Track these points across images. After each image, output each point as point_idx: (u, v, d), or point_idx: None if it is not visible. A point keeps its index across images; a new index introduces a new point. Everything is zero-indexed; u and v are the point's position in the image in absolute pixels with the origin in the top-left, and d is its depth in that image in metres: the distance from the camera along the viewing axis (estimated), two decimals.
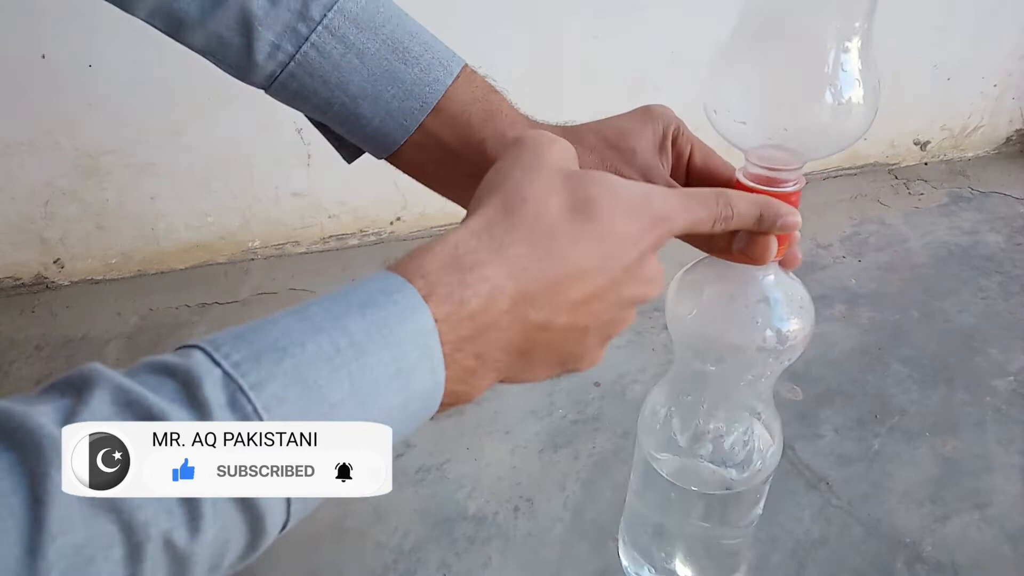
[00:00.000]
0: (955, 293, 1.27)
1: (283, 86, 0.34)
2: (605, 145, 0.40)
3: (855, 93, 0.34)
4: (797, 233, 0.41)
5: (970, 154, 1.69)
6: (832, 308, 1.25)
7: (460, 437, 1.03)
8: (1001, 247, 1.38)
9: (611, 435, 1.03)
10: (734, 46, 0.36)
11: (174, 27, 0.35)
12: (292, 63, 0.33)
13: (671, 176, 0.42)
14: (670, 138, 0.42)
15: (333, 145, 0.38)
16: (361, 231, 1.41)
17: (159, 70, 1.16)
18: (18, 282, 1.34)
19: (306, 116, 0.37)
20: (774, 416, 0.48)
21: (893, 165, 1.64)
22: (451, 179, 0.37)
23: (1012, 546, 0.88)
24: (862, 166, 1.62)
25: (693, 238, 0.37)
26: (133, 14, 0.37)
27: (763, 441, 0.47)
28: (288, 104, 0.35)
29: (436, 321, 0.25)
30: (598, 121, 0.42)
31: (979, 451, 1.00)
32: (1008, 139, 1.70)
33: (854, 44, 0.33)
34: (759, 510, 0.52)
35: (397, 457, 1.01)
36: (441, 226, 1.44)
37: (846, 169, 1.61)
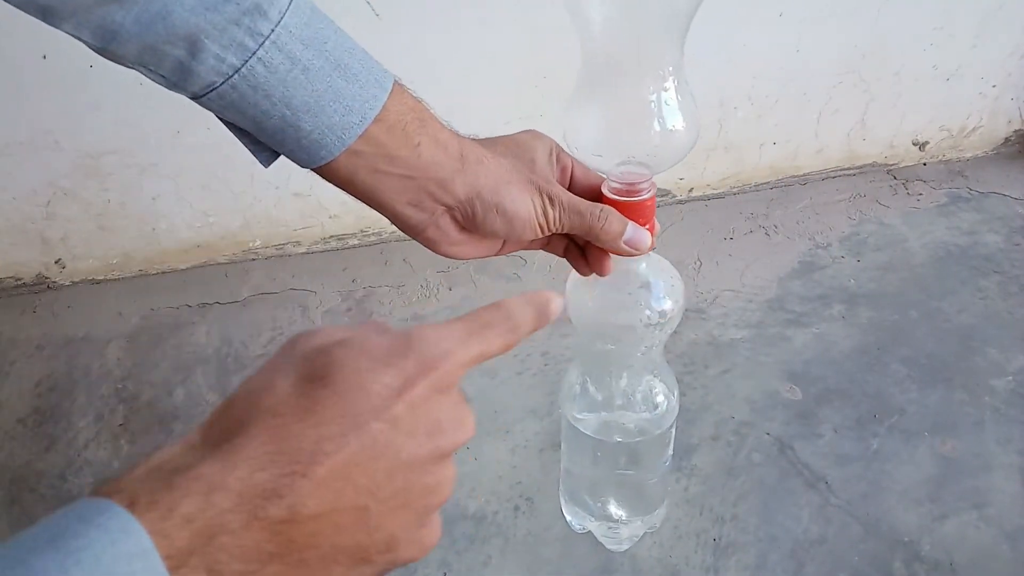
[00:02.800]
0: (954, 293, 1.27)
1: (220, 96, 0.35)
2: (510, 152, 0.45)
3: (678, 120, 0.44)
4: (657, 226, 0.48)
5: (969, 154, 1.69)
6: (831, 308, 1.25)
7: None
8: (1000, 247, 1.38)
9: None
10: (578, 95, 0.44)
11: (105, 39, 0.35)
12: (236, 76, 0.34)
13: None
14: (555, 154, 0.49)
15: (249, 149, 0.40)
16: (362, 231, 1.42)
17: None
18: (19, 282, 1.34)
19: (223, 120, 0.37)
20: (668, 371, 0.60)
21: (892, 165, 1.65)
22: (383, 183, 0.39)
23: (1011, 545, 0.89)
24: (860, 166, 1.62)
25: (574, 245, 0.47)
26: (58, 28, 0.37)
27: (664, 392, 0.58)
28: (216, 112, 0.36)
29: (151, 534, 0.20)
30: (501, 136, 0.49)
31: (978, 451, 1.00)
32: (1007, 139, 1.70)
33: (671, 83, 0.44)
34: (670, 451, 0.65)
35: None
36: None
37: (844, 169, 1.61)
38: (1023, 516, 0.92)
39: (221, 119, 0.37)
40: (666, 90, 0.43)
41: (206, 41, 0.33)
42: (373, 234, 1.42)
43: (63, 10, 0.36)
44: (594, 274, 0.50)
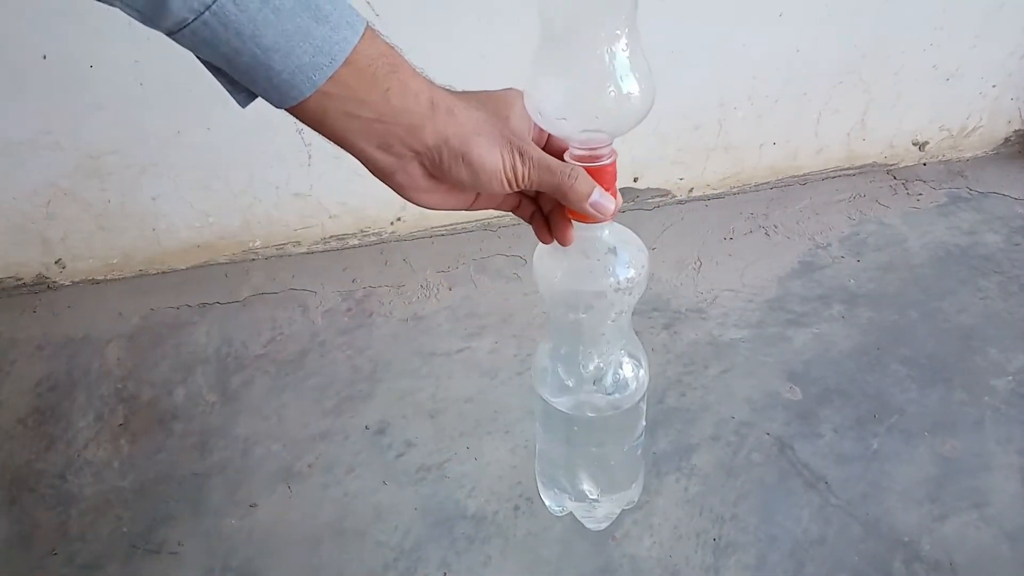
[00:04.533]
0: (954, 293, 1.27)
1: (193, 32, 0.34)
2: (484, 106, 0.46)
3: (632, 83, 0.45)
4: (619, 197, 0.50)
5: (969, 154, 1.69)
6: (831, 308, 1.25)
7: (460, 437, 1.03)
8: (1000, 247, 1.38)
9: None
10: (537, 62, 0.46)
11: None
12: (207, 12, 0.33)
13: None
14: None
15: (227, 89, 0.39)
16: (362, 231, 1.42)
17: (160, 70, 1.16)
18: (19, 282, 1.34)
19: (201, 60, 0.38)
20: (637, 346, 0.62)
21: (891, 165, 1.65)
22: (353, 125, 0.40)
23: (1010, 545, 0.89)
24: (860, 166, 1.62)
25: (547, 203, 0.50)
26: None
27: (633, 366, 0.60)
28: (191, 49, 0.36)
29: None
30: (481, 91, 0.49)
31: (978, 451, 1.00)
32: (1007, 139, 1.70)
33: (624, 46, 0.45)
34: (643, 422, 0.65)
35: (397, 457, 1.01)
36: (442, 226, 1.44)
37: (844, 169, 1.61)
38: (1023, 516, 0.92)
39: (197, 57, 0.38)
40: (620, 52, 0.44)
41: None
42: (373, 234, 1.42)
43: None
44: (559, 244, 0.51)
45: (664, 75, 1.39)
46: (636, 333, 1.24)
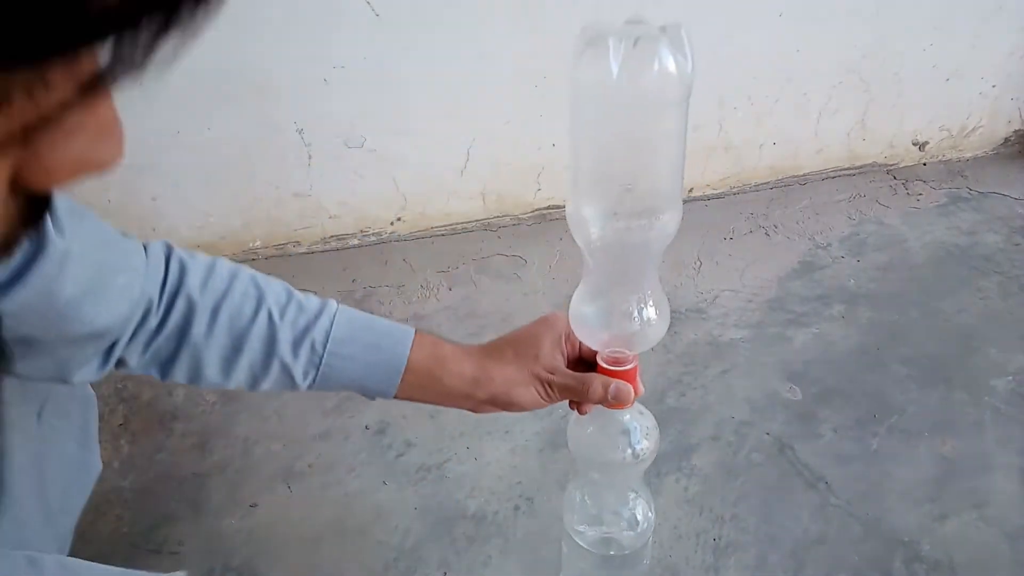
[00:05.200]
0: (954, 293, 1.27)
1: (316, 384, 0.56)
2: (517, 355, 0.59)
3: (652, 316, 0.57)
4: (640, 388, 0.61)
5: (969, 155, 1.69)
6: (831, 308, 1.25)
7: (460, 437, 1.03)
8: (1000, 247, 1.38)
9: None
10: (579, 298, 0.57)
11: (227, 371, 0.56)
12: (318, 372, 0.55)
13: (569, 365, 0.61)
14: (563, 337, 0.61)
15: (361, 394, 0.60)
16: (362, 231, 1.42)
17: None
18: None
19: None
20: (648, 494, 0.71)
21: (892, 165, 1.65)
22: (430, 397, 0.59)
23: (1010, 545, 0.89)
24: (860, 166, 1.62)
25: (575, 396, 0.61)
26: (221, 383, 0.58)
27: (644, 510, 0.70)
28: (325, 389, 0.57)
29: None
30: (510, 334, 0.62)
31: (978, 451, 1.00)
32: (1007, 140, 1.70)
33: (648, 291, 0.57)
34: (647, 562, 0.74)
35: (397, 457, 1.01)
36: (441, 226, 1.44)
37: (844, 170, 1.62)
38: (1023, 516, 0.92)
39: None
40: (646, 297, 0.56)
41: (291, 362, 0.54)
42: (373, 234, 1.43)
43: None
44: (588, 417, 0.64)
45: None
46: None
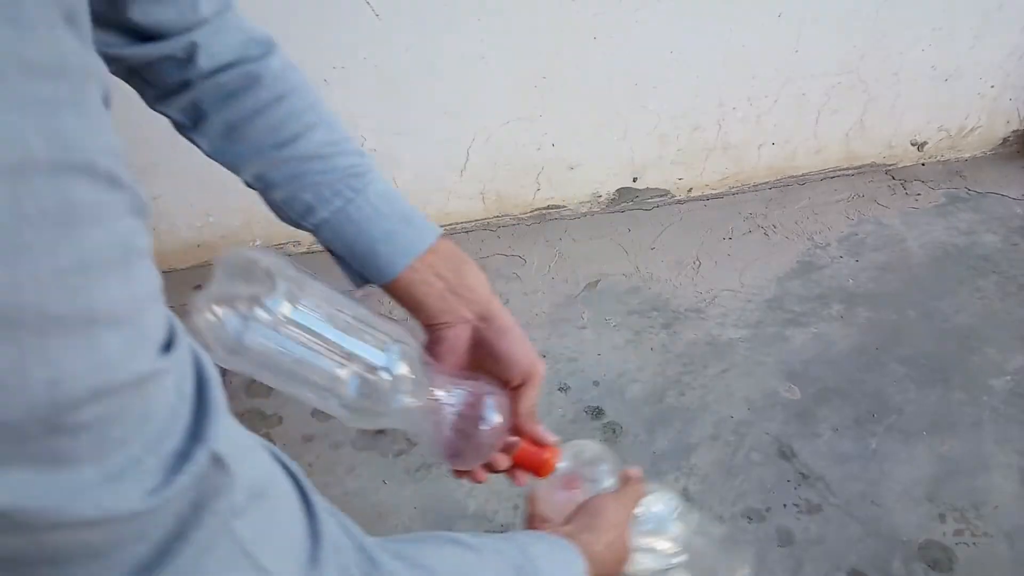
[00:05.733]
0: (952, 293, 1.27)
1: (328, 227, 0.52)
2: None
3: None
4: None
5: (967, 155, 1.70)
6: (829, 308, 1.26)
7: None
8: (998, 247, 1.39)
9: (610, 434, 1.03)
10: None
11: (264, 184, 0.54)
12: (340, 213, 0.51)
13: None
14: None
15: (346, 275, 0.55)
16: None
17: None
18: None
19: (331, 252, 0.54)
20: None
21: (890, 166, 1.65)
22: (430, 291, 0.53)
23: (1009, 544, 0.89)
24: (859, 167, 1.62)
25: None
26: (237, 169, 0.56)
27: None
28: (326, 241, 0.53)
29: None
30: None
31: (976, 450, 1.00)
32: (1005, 140, 1.70)
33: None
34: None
35: (398, 455, 1.01)
36: (441, 225, 1.44)
37: (843, 170, 1.62)
38: (1022, 516, 0.92)
39: (325, 247, 0.54)
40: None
41: (324, 190, 0.51)
42: None
43: (247, 165, 0.55)
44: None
45: (664, 75, 1.40)
46: (635, 332, 1.25)
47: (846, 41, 1.45)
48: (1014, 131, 1.70)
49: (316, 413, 1.08)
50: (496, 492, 0.96)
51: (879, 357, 1.15)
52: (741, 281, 1.32)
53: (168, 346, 0.24)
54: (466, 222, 1.45)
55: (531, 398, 0.56)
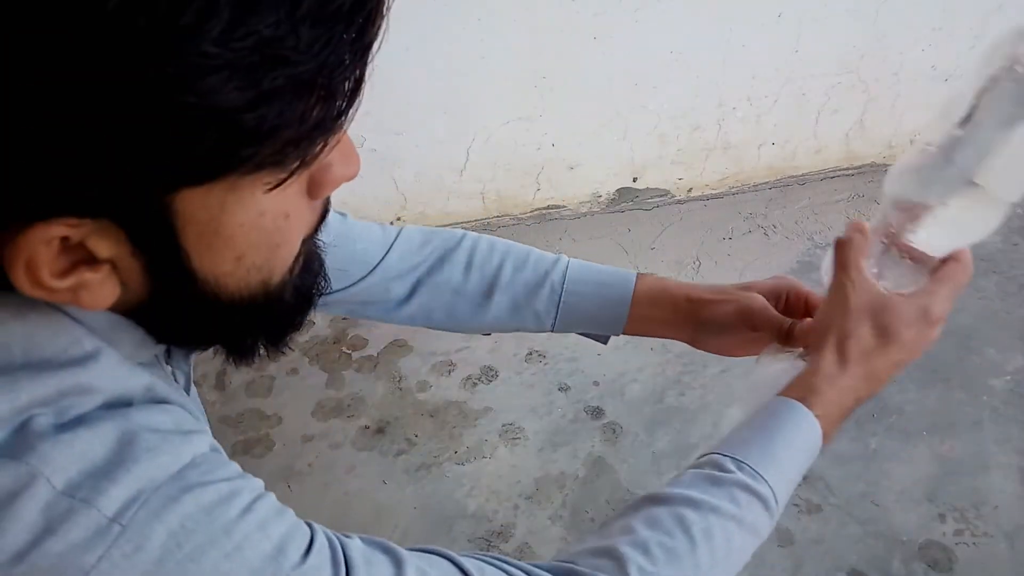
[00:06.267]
0: None
1: (558, 322, 0.60)
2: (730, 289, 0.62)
3: None
4: None
5: None
6: None
7: (460, 436, 1.03)
8: (998, 247, 1.39)
9: (610, 434, 1.03)
10: None
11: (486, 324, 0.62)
12: (558, 313, 0.60)
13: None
14: (783, 295, 0.62)
15: (593, 339, 0.63)
16: None
17: None
18: None
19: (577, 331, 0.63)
20: None
21: (890, 165, 1.65)
22: (655, 328, 0.60)
23: (1009, 544, 0.89)
24: (859, 167, 1.62)
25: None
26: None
27: None
28: (561, 329, 0.61)
29: (819, 418, 0.48)
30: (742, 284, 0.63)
31: (976, 450, 1.00)
32: None
33: None
34: None
35: (397, 456, 1.01)
36: (441, 225, 1.44)
37: (843, 170, 1.62)
38: (1021, 515, 0.92)
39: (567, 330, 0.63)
40: None
41: (535, 302, 0.59)
42: None
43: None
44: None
45: (664, 75, 1.40)
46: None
47: (846, 41, 1.45)
48: None
49: (316, 413, 1.08)
50: (496, 492, 0.96)
51: None
52: (741, 280, 1.32)
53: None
54: (466, 222, 1.45)
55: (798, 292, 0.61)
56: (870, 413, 1.06)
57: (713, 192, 1.56)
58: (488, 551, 0.89)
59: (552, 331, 0.62)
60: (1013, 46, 0.43)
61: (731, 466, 0.46)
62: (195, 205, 0.29)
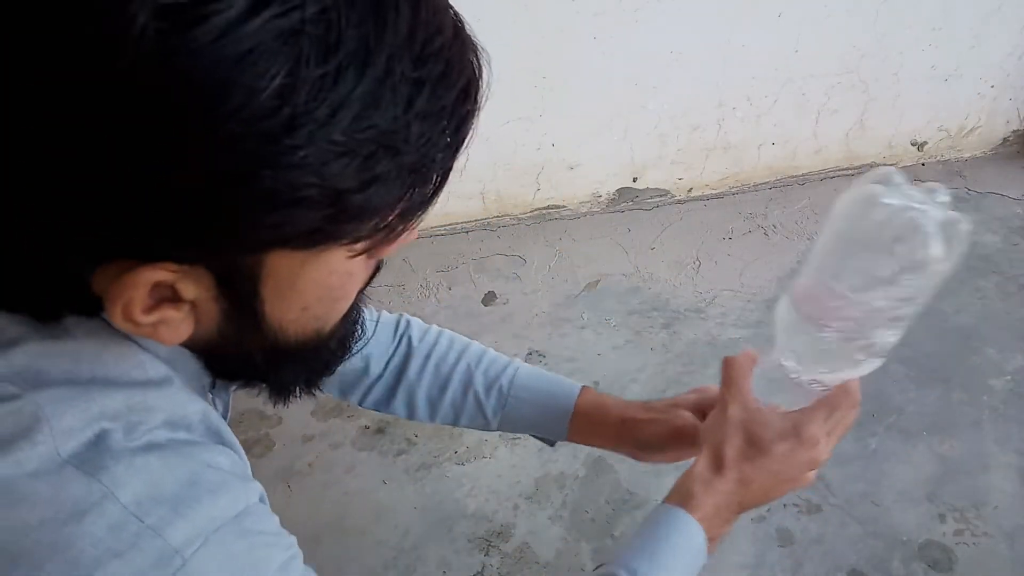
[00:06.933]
0: (952, 293, 1.27)
1: (501, 423, 0.64)
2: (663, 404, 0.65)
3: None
4: None
5: (967, 155, 1.70)
6: None
7: (460, 436, 1.03)
8: (998, 247, 1.39)
9: None
10: None
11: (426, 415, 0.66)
12: (503, 414, 0.64)
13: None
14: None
15: (539, 440, 0.67)
16: None
17: None
18: None
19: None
20: None
21: (890, 166, 1.65)
22: (597, 439, 0.64)
23: (1009, 544, 0.89)
24: (859, 166, 1.62)
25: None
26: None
27: None
28: (506, 429, 0.65)
29: (699, 520, 0.51)
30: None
31: (976, 450, 1.00)
32: (1005, 140, 1.70)
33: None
34: None
35: (397, 456, 1.01)
36: (441, 226, 1.44)
37: (843, 170, 1.62)
38: (1022, 515, 0.92)
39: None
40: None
41: (484, 401, 0.64)
42: None
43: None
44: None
45: (664, 75, 1.40)
46: (635, 332, 1.25)
47: (846, 41, 1.45)
48: (1014, 131, 1.70)
49: (316, 413, 1.08)
50: (496, 492, 0.96)
51: None
52: (741, 281, 1.32)
53: None
54: (466, 222, 1.45)
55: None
56: (870, 413, 1.06)
57: (713, 192, 1.56)
58: (488, 551, 0.89)
59: (498, 430, 0.66)
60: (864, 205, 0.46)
61: (623, 575, 0.49)
62: (283, 262, 0.32)
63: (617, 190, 1.49)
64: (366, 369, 0.64)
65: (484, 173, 1.40)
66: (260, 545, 0.34)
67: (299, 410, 1.08)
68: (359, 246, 0.32)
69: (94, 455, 0.30)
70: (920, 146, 1.66)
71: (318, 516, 0.94)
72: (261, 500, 0.37)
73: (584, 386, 0.65)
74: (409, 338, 0.65)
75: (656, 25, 1.31)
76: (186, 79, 0.25)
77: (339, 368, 0.58)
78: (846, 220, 0.48)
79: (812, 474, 0.54)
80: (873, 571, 0.86)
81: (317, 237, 0.30)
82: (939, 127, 1.65)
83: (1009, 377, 1.11)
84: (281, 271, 0.32)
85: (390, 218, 0.32)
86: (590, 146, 1.42)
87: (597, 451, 1.01)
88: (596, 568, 0.51)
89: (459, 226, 1.45)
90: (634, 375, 1.13)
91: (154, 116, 0.26)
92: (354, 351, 0.58)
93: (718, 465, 0.52)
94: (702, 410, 0.63)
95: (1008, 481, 0.96)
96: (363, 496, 0.96)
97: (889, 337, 0.49)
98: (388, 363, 0.65)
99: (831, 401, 0.53)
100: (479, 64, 0.33)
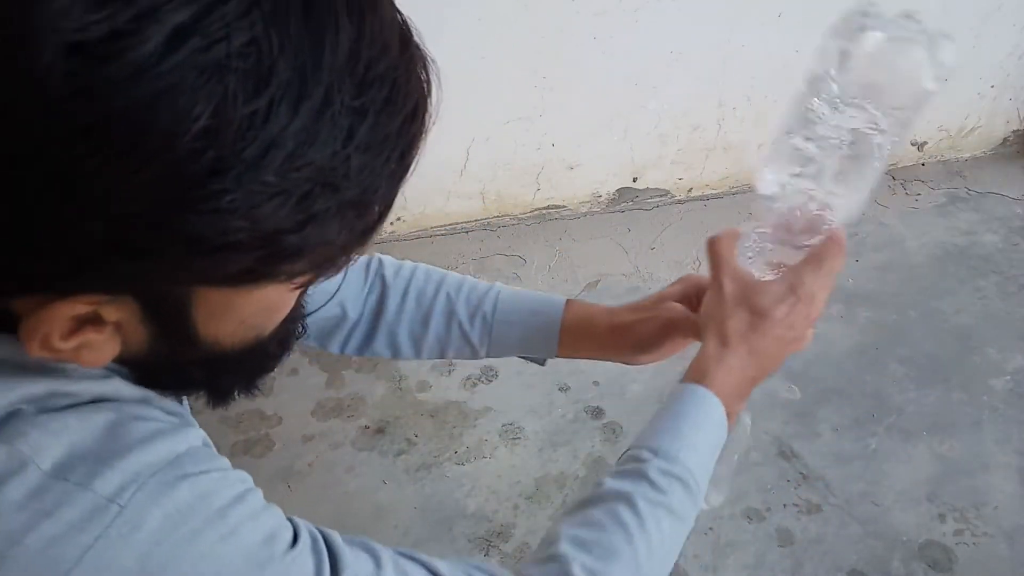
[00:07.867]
0: (952, 293, 1.27)
1: (491, 350, 0.63)
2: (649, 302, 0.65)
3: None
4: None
5: (967, 155, 1.70)
6: (829, 308, 1.25)
7: (460, 436, 1.03)
8: (998, 247, 1.39)
9: (610, 434, 1.03)
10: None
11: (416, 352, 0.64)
12: (491, 341, 0.63)
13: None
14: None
15: (528, 360, 0.68)
16: None
17: None
18: None
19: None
20: None
21: (890, 165, 1.65)
22: (588, 349, 0.64)
23: (1008, 544, 0.89)
24: None
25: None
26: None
27: None
28: (494, 354, 0.64)
29: (716, 395, 0.52)
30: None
31: (976, 450, 1.00)
32: (1005, 140, 1.70)
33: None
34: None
35: (397, 456, 1.01)
36: (441, 226, 1.44)
37: None
38: (1021, 515, 0.92)
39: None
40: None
41: (469, 330, 0.62)
42: None
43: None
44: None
45: (664, 75, 1.40)
46: None
47: None
48: (1014, 131, 1.70)
49: (316, 413, 1.08)
50: (496, 492, 0.96)
51: (879, 357, 1.15)
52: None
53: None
54: (466, 222, 1.45)
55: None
56: (870, 413, 1.06)
57: (713, 192, 1.56)
58: (488, 551, 0.89)
59: (487, 356, 0.65)
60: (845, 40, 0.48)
61: (647, 455, 0.49)
62: (214, 295, 0.31)
63: (617, 190, 1.49)
64: (343, 315, 0.61)
65: (484, 173, 1.40)
66: (207, 482, 0.33)
67: (299, 410, 1.08)
68: (298, 280, 0.31)
69: (10, 425, 0.29)
70: (920, 146, 1.66)
71: (318, 516, 0.93)
72: (205, 444, 0.35)
73: (568, 299, 0.63)
74: (383, 276, 0.62)
75: (656, 25, 1.31)
76: (100, 120, 0.24)
77: (315, 317, 0.58)
78: (836, 39, 0.50)
79: (811, 332, 0.55)
80: (873, 571, 0.86)
81: (250, 277, 0.29)
82: (939, 127, 1.65)
83: (1009, 377, 1.11)
84: (214, 299, 0.31)
85: (333, 255, 0.30)
86: (590, 146, 1.42)
87: (597, 451, 1.01)
88: (620, 455, 0.51)
89: (459, 226, 1.45)
90: (634, 375, 1.13)
91: (64, 158, 0.24)
92: (328, 301, 0.58)
93: (725, 341, 0.53)
94: (689, 299, 0.64)
95: (1008, 481, 0.96)
96: (363, 496, 0.96)
97: (876, 139, 0.51)
98: (364, 304, 0.62)
99: (820, 253, 0.53)
100: (428, 79, 0.31)
